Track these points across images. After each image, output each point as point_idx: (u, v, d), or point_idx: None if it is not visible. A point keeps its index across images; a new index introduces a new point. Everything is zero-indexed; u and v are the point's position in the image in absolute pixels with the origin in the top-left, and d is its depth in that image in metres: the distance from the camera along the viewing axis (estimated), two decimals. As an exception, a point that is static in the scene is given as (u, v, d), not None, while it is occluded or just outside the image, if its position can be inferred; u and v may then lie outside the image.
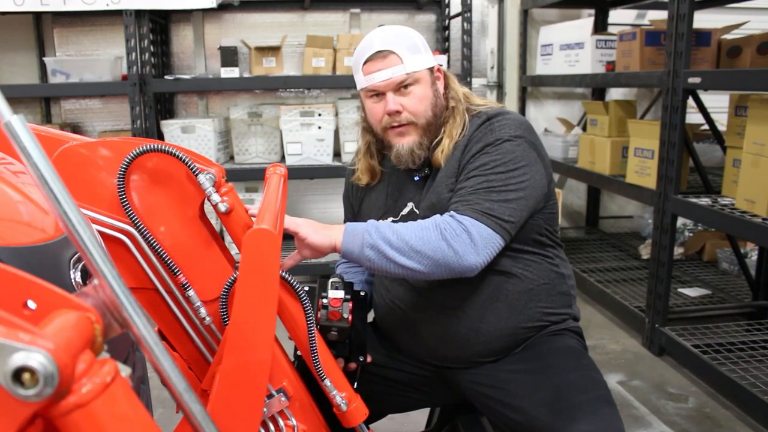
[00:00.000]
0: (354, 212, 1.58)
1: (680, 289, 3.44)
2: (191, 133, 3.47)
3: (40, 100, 3.93)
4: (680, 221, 3.75)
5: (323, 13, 4.07)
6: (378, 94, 1.37)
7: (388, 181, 1.49)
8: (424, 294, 1.40)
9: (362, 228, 1.24)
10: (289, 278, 1.10)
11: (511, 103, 4.31)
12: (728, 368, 2.46)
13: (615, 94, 4.37)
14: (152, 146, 1.00)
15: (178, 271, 1.05)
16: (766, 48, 2.77)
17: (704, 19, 3.08)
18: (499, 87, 4.40)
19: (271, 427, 1.11)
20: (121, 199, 1.00)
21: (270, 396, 1.09)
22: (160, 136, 3.51)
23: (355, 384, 1.32)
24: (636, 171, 3.08)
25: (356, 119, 3.53)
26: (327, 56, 3.66)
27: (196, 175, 1.02)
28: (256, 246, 0.89)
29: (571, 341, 1.42)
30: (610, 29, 4.08)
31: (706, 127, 3.11)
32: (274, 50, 3.65)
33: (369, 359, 1.40)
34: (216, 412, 0.94)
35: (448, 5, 4.01)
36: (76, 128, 3.97)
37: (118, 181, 0.99)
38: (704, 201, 2.63)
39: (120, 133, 3.92)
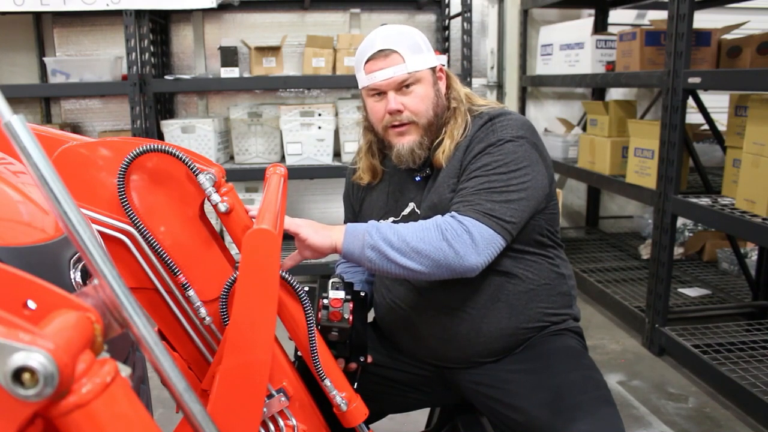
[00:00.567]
0: (355, 212, 1.58)
1: (680, 289, 3.44)
2: (191, 133, 3.47)
3: (40, 100, 3.93)
4: (680, 221, 3.75)
5: (323, 13, 4.07)
6: (379, 93, 1.37)
7: (390, 181, 1.49)
8: (425, 294, 1.40)
9: (363, 229, 1.23)
10: (290, 278, 1.10)
11: (511, 103, 4.31)
12: (728, 368, 2.46)
13: (615, 94, 4.37)
14: (152, 146, 1.00)
15: (178, 271, 1.05)
16: (766, 48, 2.77)
17: (704, 19, 3.08)
18: (499, 87, 4.40)
19: (271, 427, 1.11)
20: (121, 199, 1.00)
21: (270, 396, 1.09)
22: (160, 136, 3.51)
23: (355, 384, 1.32)
24: (636, 171, 3.08)
25: (356, 119, 3.54)
26: (327, 56, 3.66)
27: (196, 175, 1.02)
28: (256, 246, 0.89)
29: (572, 341, 1.43)
30: (610, 29, 4.08)
31: (706, 127, 3.11)
32: (274, 50, 3.65)
33: (369, 359, 1.40)
34: (216, 412, 0.94)
35: (448, 5, 4.01)
36: (76, 128, 3.97)
37: (118, 181, 0.99)
38: (704, 201, 2.63)
39: (120, 133, 3.92)
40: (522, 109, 4.28)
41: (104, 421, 0.51)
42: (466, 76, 3.57)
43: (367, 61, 1.36)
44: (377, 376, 1.48)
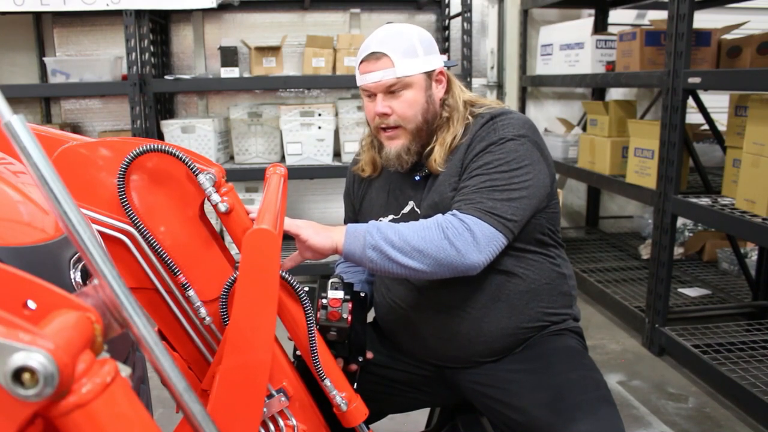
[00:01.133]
0: (355, 210, 1.58)
1: (680, 289, 3.44)
2: (191, 133, 3.47)
3: (40, 100, 3.93)
4: (680, 221, 3.75)
5: (323, 13, 4.07)
6: (371, 94, 1.38)
7: (389, 180, 1.49)
8: (425, 293, 1.40)
9: (363, 229, 1.23)
10: (289, 278, 1.10)
11: (511, 103, 4.31)
12: (728, 368, 2.46)
13: (615, 94, 4.37)
14: (152, 146, 1.00)
15: (178, 271, 1.05)
16: (766, 48, 2.77)
17: (704, 19, 3.08)
18: (499, 87, 4.40)
19: (271, 427, 1.11)
20: (121, 199, 1.00)
21: (270, 396, 1.09)
22: (160, 136, 3.51)
23: (355, 384, 1.32)
24: (636, 171, 3.08)
25: (356, 119, 3.54)
26: (327, 56, 3.66)
27: (196, 175, 1.02)
28: (256, 246, 0.89)
29: (572, 341, 1.43)
30: (610, 29, 4.08)
31: (706, 127, 3.11)
32: (274, 50, 3.65)
33: (370, 355, 1.40)
34: (216, 412, 0.94)
35: (448, 5, 4.01)
36: (76, 128, 3.97)
37: (118, 181, 0.99)
38: (704, 201, 2.63)
39: (120, 133, 3.92)
40: (522, 109, 4.28)
41: (104, 421, 0.51)
42: (466, 76, 3.57)
43: (362, 62, 1.37)
44: (377, 376, 1.48)
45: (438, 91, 1.41)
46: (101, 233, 1.01)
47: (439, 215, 1.26)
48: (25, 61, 3.89)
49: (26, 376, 0.46)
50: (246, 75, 3.68)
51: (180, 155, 1.01)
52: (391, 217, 1.45)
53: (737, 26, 3.17)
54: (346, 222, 1.63)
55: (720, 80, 2.52)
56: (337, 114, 3.58)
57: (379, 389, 1.48)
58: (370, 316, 1.54)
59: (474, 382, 1.42)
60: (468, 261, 1.20)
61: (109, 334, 0.61)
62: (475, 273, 1.24)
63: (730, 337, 2.83)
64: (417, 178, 1.44)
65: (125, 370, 0.54)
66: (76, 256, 0.93)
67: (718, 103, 3.35)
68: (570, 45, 3.76)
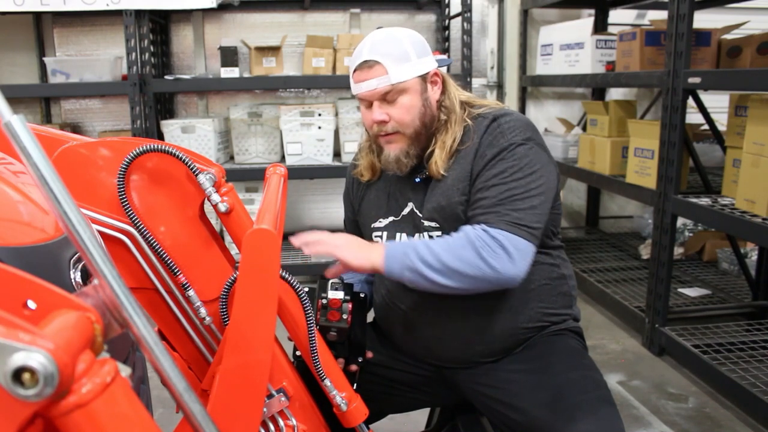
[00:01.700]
0: (354, 210, 1.58)
1: (680, 289, 3.44)
2: (191, 133, 3.47)
3: (40, 100, 3.93)
4: (680, 221, 3.75)
5: (323, 13, 4.07)
6: (367, 102, 1.38)
7: (389, 181, 1.49)
8: (425, 295, 1.40)
9: (401, 251, 1.26)
10: (289, 278, 1.10)
11: (511, 103, 4.31)
12: (728, 368, 2.46)
13: (615, 94, 4.37)
14: (152, 146, 1.00)
15: (178, 271, 1.05)
16: (766, 48, 2.77)
17: (704, 19, 3.08)
18: (499, 87, 4.40)
19: (271, 427, 1.11)
20: (121, 199, 1.00)
21: (270, 396, 1.10)
22: (160, 136, 3.51)
23: (355, 384, 1.32)
24: (636, 171, 3.08)
25: (356, 119, 3.54)
26: (327, 56, 3.66)
27: (196, 175, 1.02)
28: (256, 246, 0.89)
29: (572, 341, 1.43)
30: (610, 29, 4.08)
31: (706, 127, 3.10)
32: (274, 50, 3.65)
33: (370, 355, 1.40)
34: (216, 412, 0.94)
35: (448, 5, 4.01)
36: (76, 128, 3.97)
37: (118, 181, 0.99)
38: (704, 201, 2.63)
39: (120, 133, 3.92)
40: (522, 109, 4.28)
41: (104, 421, 0.51)
42: (466, 76, 3.57)
43: (355, 71, 1.36)
44: (377, 376, 1.48)
45: (434, 92, 1.40)
46: (101, 233, 1.01)
47: (469, 230, 1.26)
48: (25, 61, 3.89)
49: (26, 376, 0.46)
50: (246, 75, 3.68)
51: (180, 155, 1.01)
52: (391, 219, 1.45)
53: (737, 26, 3.17)
54: (345, 222, 1.63)
55: (720, 80, 2.53)
56: (337, 114, 3.58)
57: (379, 389, 1.48)
58: (370, 316, 1.54)
59: (474, 382, 1.42)
60: (505, 276, 1.22)
61: (109, 334, 0.61)
62: (515, 285, 1.26)
63: (730, 337, 2.83)
64: (417, 180, 1.43)
65: (125, 370, 0.54)
66: (76, 256, 0.93)
67: (718, 103, 3.35)
68: (570, 45, 3.76)
